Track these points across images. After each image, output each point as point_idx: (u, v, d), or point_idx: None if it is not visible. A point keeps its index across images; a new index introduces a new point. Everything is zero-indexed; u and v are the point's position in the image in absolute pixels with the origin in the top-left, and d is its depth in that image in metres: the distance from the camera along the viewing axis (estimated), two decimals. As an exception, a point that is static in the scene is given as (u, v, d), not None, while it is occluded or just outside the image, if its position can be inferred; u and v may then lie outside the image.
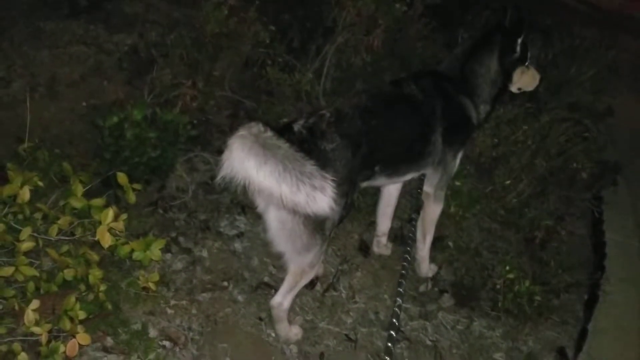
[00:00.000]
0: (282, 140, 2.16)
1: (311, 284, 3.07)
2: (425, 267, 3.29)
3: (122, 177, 2.65)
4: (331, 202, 2.13)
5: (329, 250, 3.21)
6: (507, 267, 3.15)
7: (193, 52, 4.03)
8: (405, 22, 4.42)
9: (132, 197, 2.68)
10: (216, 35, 4.04)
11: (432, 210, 3.12)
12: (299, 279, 2.64)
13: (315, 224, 2.44)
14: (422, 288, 3.23)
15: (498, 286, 3.15)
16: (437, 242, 3.44)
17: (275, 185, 2.09)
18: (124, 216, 2.50)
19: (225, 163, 2.12)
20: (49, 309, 2.35)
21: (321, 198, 2.12)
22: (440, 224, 3.53)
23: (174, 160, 3.34)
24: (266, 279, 3.05)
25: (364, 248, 3.39)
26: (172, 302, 2.78)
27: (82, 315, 2.33)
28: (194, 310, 2.78)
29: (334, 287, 3.11)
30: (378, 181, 2.85)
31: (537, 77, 3.13)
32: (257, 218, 3.38)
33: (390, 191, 3.29)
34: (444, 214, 3.57)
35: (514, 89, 3.13)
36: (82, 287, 2.46)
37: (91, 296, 2.47)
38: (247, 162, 2.08)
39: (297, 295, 2.98)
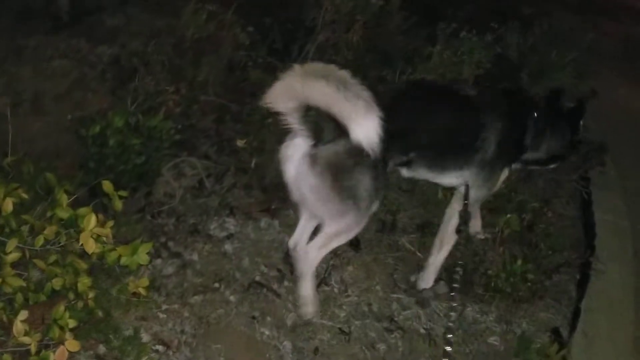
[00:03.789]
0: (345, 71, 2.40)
1: (303, 281, 3.09)
2: (429, 277, 3.15)
3: (107, 185, 2.66)
4: (378, 129, 2.33)
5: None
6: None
7: (175, 59, 4.05)
8: (383, 17, 4.44)
9: (118, 205, 2.69)
10: (197, 40, 4.07)
11: (456, 222, 3.03)
12: (333, 238, 2.74)
13: (345, 188, 2.56)
14: (413, 278, 3.23)
15: (490, 271, 3.16)
16: (427, 229, 3.45)
17: (335, 92, 2.30)
18: (110, 223, 2.51)
19: (289, 78, 2.38)
20: (39, 318, 2.36)
21: (372, 119, 2.33)
22: (429, 211, 3.57)
23: (159, 166, 3.36)
24: (258, 278, 3.06)
25: (355, 242, 3.38)
26: (164, 306, 2.79)
27: (72, 323, 2.32)
28: (186, 313, 2.79)
29: (325, 282, 3.12)
30: (421, 173, 2.93)
31: None
32: (247, 219, 3.42)
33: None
34: (432, 201, 3.61)
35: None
36: (71, 295, 2.47)
37: (81, 304, 2.48)
38: (312, 76, 2.35)
39: (290, 292, 3.01)
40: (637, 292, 3.34)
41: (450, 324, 2.34)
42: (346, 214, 2.63)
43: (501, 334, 2.96)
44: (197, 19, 4.02)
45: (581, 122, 3.22)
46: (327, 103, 2.36)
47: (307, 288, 2.84)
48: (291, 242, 3.04)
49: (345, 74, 2.39)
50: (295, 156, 2.61)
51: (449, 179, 3.02)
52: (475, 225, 3.49)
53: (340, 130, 2.44)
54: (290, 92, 2.42)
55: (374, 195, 2.64)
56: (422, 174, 2.96)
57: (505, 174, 3.10)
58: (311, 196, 2.63)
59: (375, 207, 2.72)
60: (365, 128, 2.35)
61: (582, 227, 3.83)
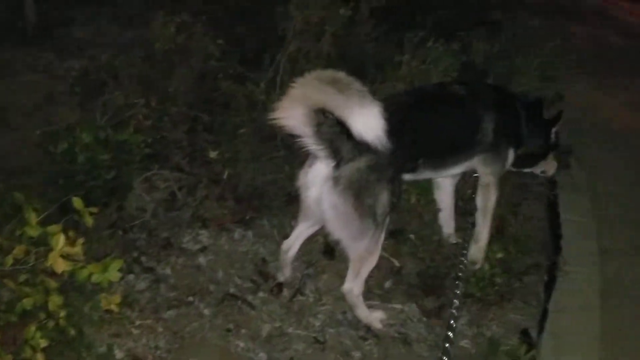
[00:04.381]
0: (342, 72, 2.45)
1: (278, 291, 3.11)
2: (479, 254, 3.32)
3: (77, 202, 2.65)
4: (379, 119, 2.37)
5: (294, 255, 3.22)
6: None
7: (145, 71, 4.05)
8: (353, 27, 4.50)
9: (89, 221, 2.67)
10: (166, 52, 4.07)
11: (486, 197, 3.25)
12: (360, 265, 2.78)
13: (366, 207, 2.61)
14: (387, 284, 3.27)
15: (461, 274, 3.21)
16: (399, 235, 3.50)
17: (329, 88, 2.36)
18: (81, 241, 2.50)
19: (291, 90, 2.45)
20: (10, 339, 2.33)
21: (370, 110, 2.37)
22: (400, 217, 3.61)
23: (131, 180, 3.35)
24: (232, 290, 3.07)
25: (329, 251, 3.42)
26: (137, 322, 2.78)
27: (43, 343, 2.31)
28: (160, 328, 2.79)
29: (300, 292, 3.14)
30: (424, 174, 3.07)
31: (556, 166, 3.65)
32: (220, 230, 3.43)
33: (443, 194, 3.50)
34: (405, 208, 3.66)
35: (538, 170, 3.61)
36: (42, 315, 2.44)
37: (52, 323, 2.46)
38: (309, 80, 2.44)
39: (265, 304, 3.03)
40: (603, 291, 3.41)
41: (449, 334, 2.36)
42: (366, 233, 2.68)
43: (472, 337, 3.01)
44: (167, 30, 4.02)
45: (555, 129, 3.44)
46: (326, 101, 2.41)
47: (364, 316, 2.93)
48: (285, 245, 3.08)
49: (342, 74, 2.45)
50: (317, 180, 2.66)
51: (453, 171, 3.24)
52: (449, 227, 3.57)
53: (361, 148, 2.52)
54: (295, 100, 2.47)
55: (388, 211, 2.72)
56: (426, 174, 3.13)
57: (511, 156, 3.27)
58: (332, 217, 2.66)
59: (387, 221, 2.79)
60: (365, 118, 2.39)
61: (549, 229, 3.91)
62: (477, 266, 3.29)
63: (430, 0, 6.27)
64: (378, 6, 4.63)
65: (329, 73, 2.47)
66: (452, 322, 2.42)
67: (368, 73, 4.31)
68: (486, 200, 3.26)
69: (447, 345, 2.27)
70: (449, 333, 2.35)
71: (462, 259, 2.83)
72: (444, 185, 3.47)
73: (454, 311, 2.47)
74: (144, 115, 3.70)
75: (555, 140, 3.49)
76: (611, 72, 6.87)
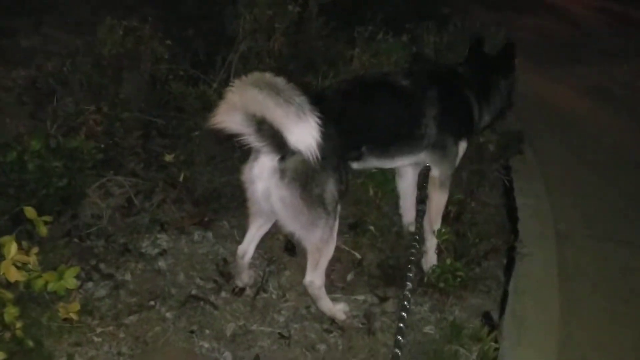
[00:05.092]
0: (280, 78, 2.42)
1: (240, 290, 3.10)
2: (432, 259, 3.29)
3: (29, 211, 2.60)
4: (316, 132, 2.37)
5: (255, 254, 3.21)
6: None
7: (94, 77, 3.97)
8: (303, 24, 4.51)
9: (43, 230, 2.63)
10: (115, 56, 4.00)
11: (437, 199, 3.22)
12: (318, 255, 2.79)
13: (314, 196, 2.62)
14: (349, 277, 3.30)
15: (413, 258, 3.25)
16: (358, 227, 3.53)
17: (267, 99, 2.33)
18: (35, 250, 2.46)
19: (229, 94, 2.43)
20: (-36, 354, 2.27)
21: (309, 122, 2.37)
22: (359, 210, 3.65)
23: (84, 187, 3.28)
24: (194, 291, 3.04)
25: (290, 247, 3.43)
26: (98, 329, 2.73)
27: (1, 356, 2.26)
28: (121, 334, 2.74)
29: (263, 289, 3.14)
30: (370, 163, 3.05)
31: None
32: (179, 233, 3.40)
33: (405, 184, 3.50)
34: (364, 200, 3.69)
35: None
36: (-2, 327, 2.39)
37: (9, 335, 2.40)
38: (247, 87, 2.38)
39: (228, 303, 3.02)
40: (560, 272, 3.52)
41: (401, 325, 2.38)
42: (318, 223, 2.68)
43: (435, 323, 3.06)
44: (114, 35, 3.96)
45: (515, 61, 3.38)
46: (262, 111, 2.39)
47: (328, 309, 2.96)
48: (239, 251, 3.05)
49: (279, 80, 2.42)
50: (264, 174, 2.64)
51: (401, 163, 3.21)
52: (409, 216, 3.60)
53: None
54: (233, 106, 2.44)
55: (338, 198, 2.72)
56: (372, 163, 3.11)
57: (463, 147, 3.24)
58: (282, 209, 2.65)
59: (339, 208, 2.80)
60: (299, 134, 2.39)
61: (506, 214, 4.01)
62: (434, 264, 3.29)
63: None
64: (327, 2, 4.65)
65: (266, 79, 2.41)
66: (405, 303, 2.45)
67: (320, 69, 4.34)
68: (436, 201, 3.22)
69: (400, 325, 2.30)
70: (403, 313, 2.38)
71: (414, 243, 2.87)
72: (405, 173, 3.47)
73: (407, 292, 2.50)
74: (95, 121, 3.63)
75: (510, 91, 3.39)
76: (557, 61, 7.10)
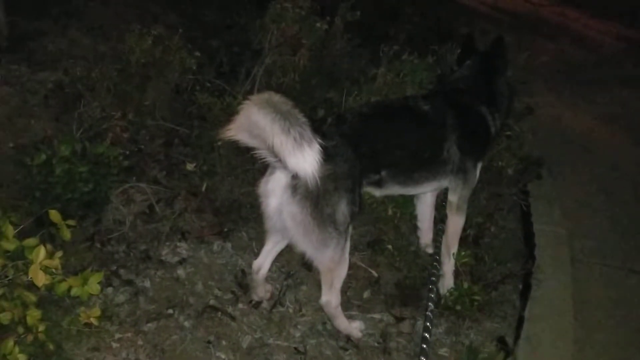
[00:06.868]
0: (289, 102, 2.41)
1: (257, 303, 3.12)
2: (449, 282, 3.30)
3: (54, 215, 2.62)
4: (315, 160, 2.36)
5: (273, 267, 3.24)
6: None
7: (121, 84, 4.03)
8: (328, 40, 4.56)
9: (66, 234, 2.65)
10: (143, 65, 4.06)
11: (454, 222, 3.25)
12: (331, 276, 2.78)
13: (325, 216, 2.61)
14: (366, 295, 3.31)
15: (434, 278, 3.26)
16: (376, 245, 3.54)
17: (270, 124, 2.32)
18: (60, 253, 2.48)
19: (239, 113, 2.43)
20: (-13, 355, 2.29)
21: (307, 151, 2.36)
22: (377, 228, 3.66)
23: (108, 192, 3.32)
24: (212, 302, 3.07)
25: (308, 262, 3.44)
26: (117, 335, 2.76)
27: (22, 358, 2.29)
28: (140, 341, 2.77)
29: (280, 302, 3.15)
30: (392, 189, 3.06)
31: None
32: (199, 243, 3.42)
33: (424, 206, 3.54)
34: (382, 219, 3.70)
35: None
36: (20, 329, 2.41)
37: (31, 338, 2.42)
38: (252, 109, 2.37)
39: (245, 315, 3.03)
40: (575, 298, 3.51)
41: (424, 346, 2.34)
42: (328, 243, 2.67)
43: (450, 346, 3.06)
44: (143, 43, 4.01)
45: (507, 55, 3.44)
46: (264, 136, 2.39)
47: (344, 327, 2.96)
48: (255, 265, 3.06)
49: (285, 103, 2.40)
50: (277, 189, 2.66)
51: (424, 189, 3.23)
52: (426, 238, 3.61)
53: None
54: (241, 127, 2.46)
55: (349, 220, 2.72)
56: (395, 190, 3.12)
57: (479, 168, 3.26)
58: (293, 226, 2.65)
59: (350, 230, 2.80)
60: (296, 163, 2.38)
61: (523, 238, 4.00)
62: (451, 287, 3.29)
63: (400, 15, 6.41)
64: (352, 20, 4.69)
65: (274, 101, 2.39)
66: (427, 324, 2.44)
67: (343, 86, 4.37)
68: (453, 224, 3.24)
69: (424, 346, 2.30)
70: (426, 334, 2.37)
71: (435, 264, 2.86)
72: (424, 196, 3.49)
73: (429, 313, 2.49)
74: (121, 128, 3.68)
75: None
76: (577, 86, 7.08)
